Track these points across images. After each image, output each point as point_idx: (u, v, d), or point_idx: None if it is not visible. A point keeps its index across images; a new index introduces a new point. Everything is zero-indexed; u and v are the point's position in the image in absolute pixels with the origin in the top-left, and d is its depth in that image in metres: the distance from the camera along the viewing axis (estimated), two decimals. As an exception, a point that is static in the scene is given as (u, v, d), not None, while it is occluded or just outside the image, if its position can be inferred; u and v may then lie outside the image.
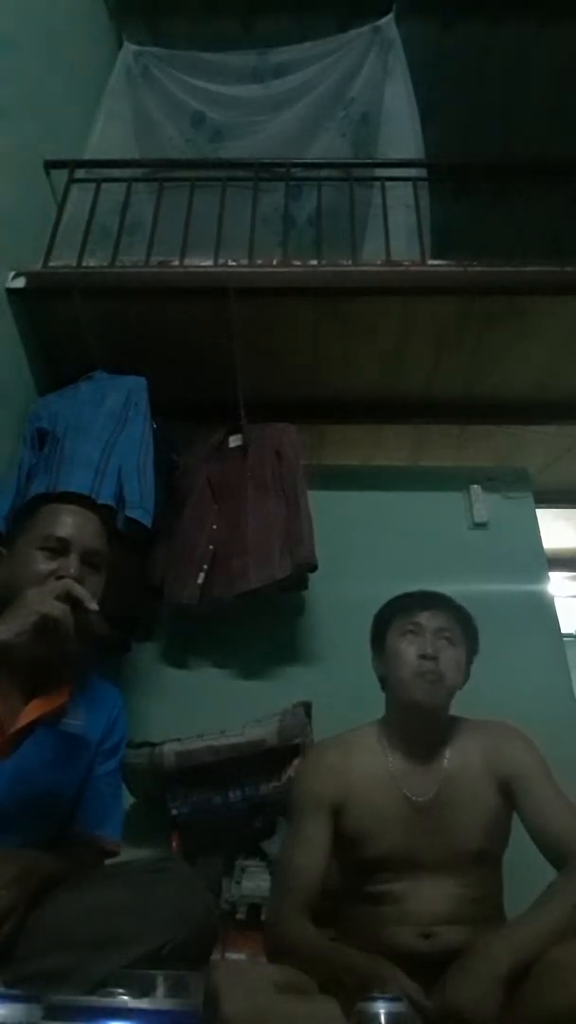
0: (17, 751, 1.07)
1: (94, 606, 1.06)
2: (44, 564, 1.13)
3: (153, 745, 1.97)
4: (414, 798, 1.30)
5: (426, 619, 1.38)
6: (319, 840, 1.28)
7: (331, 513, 2.43)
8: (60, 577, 1.10)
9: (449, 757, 1.34)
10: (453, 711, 1.42)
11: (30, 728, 1.08)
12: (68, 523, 1.17)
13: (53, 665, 1.11)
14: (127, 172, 2.60)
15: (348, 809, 1.31)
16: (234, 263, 2.36)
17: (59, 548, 1.14)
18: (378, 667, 1.45)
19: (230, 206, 2.46)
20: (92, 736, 1.20)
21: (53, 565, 1.12)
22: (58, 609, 1.02)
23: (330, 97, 3.02)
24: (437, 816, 1.28)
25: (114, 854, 1.21)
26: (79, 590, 1.06)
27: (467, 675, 1.41)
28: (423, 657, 1.33)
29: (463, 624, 1.42)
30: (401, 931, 1.20)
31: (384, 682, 1.45)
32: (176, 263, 2.34)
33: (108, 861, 1.20)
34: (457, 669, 1.37)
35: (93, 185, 2.51)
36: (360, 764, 1.35)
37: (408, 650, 1.36)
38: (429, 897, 1.22)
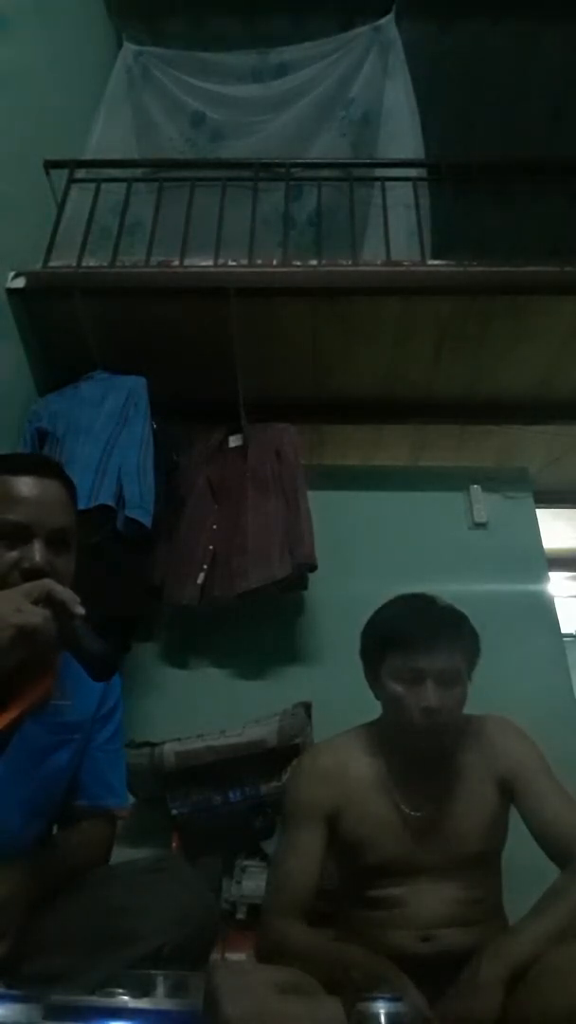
0: (7, 751, 1.01)
1: (80, 610, 0.89)
2: (2, 553, 0.97)
3: (153, 745, 1.97)
4: (412, 812, 1.27)
5: (426, 663, 1.23)
6: (313, 848, 1.26)
7: (331, 513, 2.43)
8: (25, 569, 0.96)
9: (447, 765, 1.31)
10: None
11: (17, 723, 1.00)
12: (24, 502, 1.00)
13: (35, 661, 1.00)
14: (127, 172, 2.60)
15: (344, 817, 1.28)
16: (234, 263, 2.36)
17: (18, 534, 0.98)
18: (373, 688, 1.36)
19: (230, 206, 2.46)
20: (85, 710, 1.12)
21: (14, 555, 0.97)
22: (37, 616, 0.87)
23: (330, 97, 3.03)
24: (436, 825, 1.26)
25: (123, 818, 1.18)
26: (61, 593, 0.89)
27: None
28: (427, 710, 1.22)
29: (464, 648, 1.29)
30: (400, 934, 1.19)
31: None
32: (176, 263, 2.35)
33: (109, 862, 1.19)
34: (462, 702, 1.27)
35: (93, 185, 2.52)
36: (356, 772, 1.31)
37: (408, 699, 1.24)
38: (428, 900, 1.21)
